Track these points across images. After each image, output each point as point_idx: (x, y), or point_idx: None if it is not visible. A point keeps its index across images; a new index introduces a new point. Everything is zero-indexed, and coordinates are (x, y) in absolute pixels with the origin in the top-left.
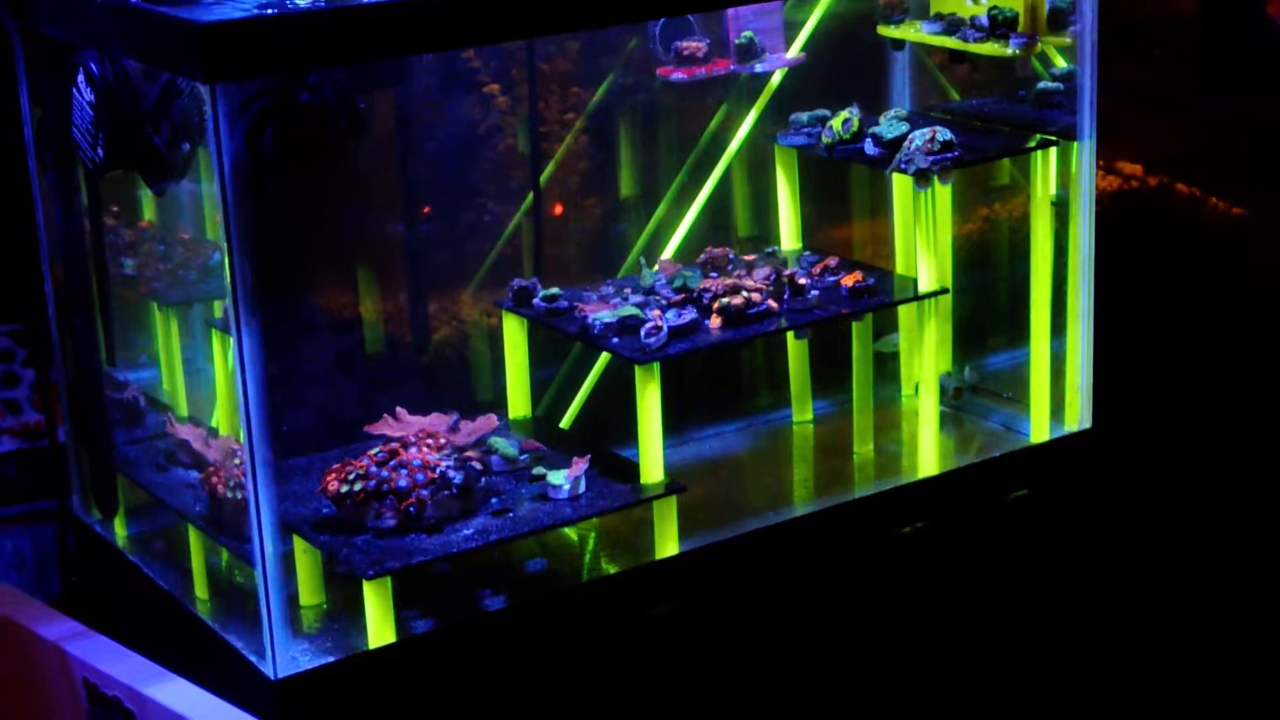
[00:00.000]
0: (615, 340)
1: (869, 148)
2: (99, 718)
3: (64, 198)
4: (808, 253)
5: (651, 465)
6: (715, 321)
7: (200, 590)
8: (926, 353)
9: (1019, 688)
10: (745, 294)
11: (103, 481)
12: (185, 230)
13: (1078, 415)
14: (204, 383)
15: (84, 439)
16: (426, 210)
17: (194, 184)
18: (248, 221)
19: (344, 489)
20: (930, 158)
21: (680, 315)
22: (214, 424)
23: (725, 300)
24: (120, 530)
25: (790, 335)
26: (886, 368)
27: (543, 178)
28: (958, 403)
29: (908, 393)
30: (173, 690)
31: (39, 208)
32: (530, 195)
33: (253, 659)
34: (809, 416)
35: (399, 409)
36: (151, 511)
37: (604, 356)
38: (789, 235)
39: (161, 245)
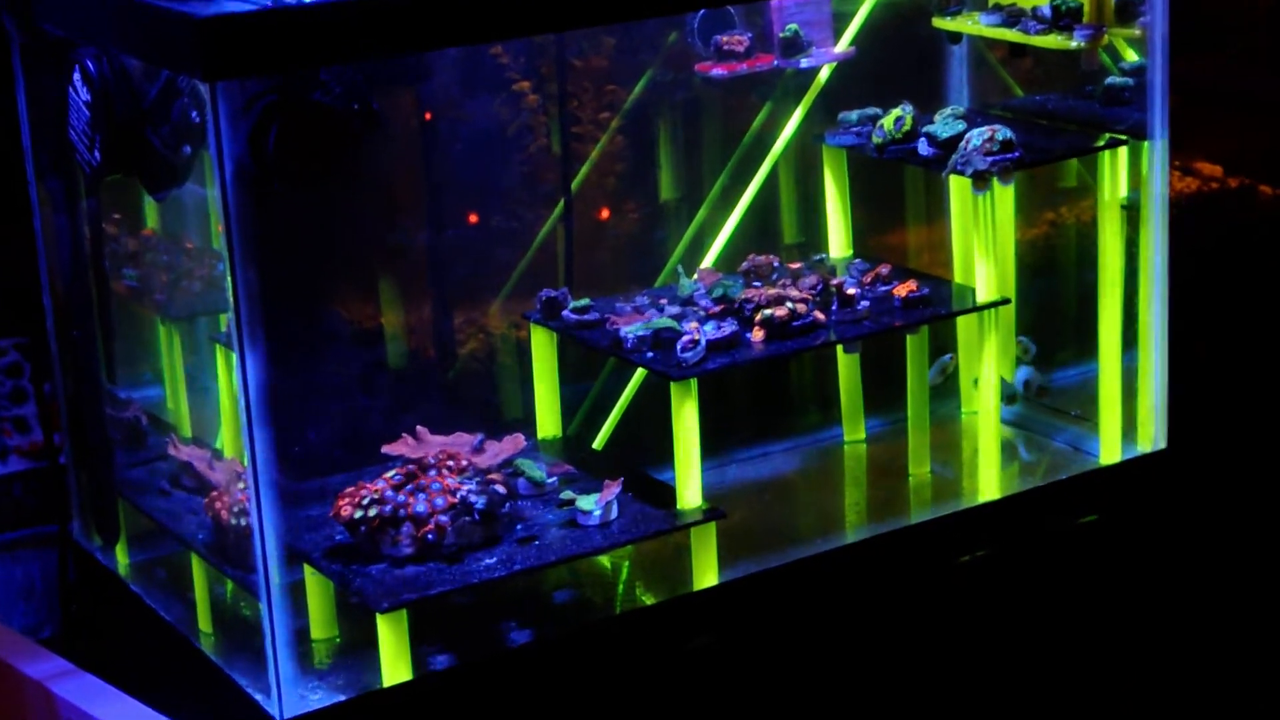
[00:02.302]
0: (650, 355)
1: (923, 148)
2: None
3: (62, 204)
4: (858, 260)
5: (689, 489)
6: (757, 334)
7: (204, 623)
8: (987, 367)
9: None
10: (790, 305)
11: (103, 506)
12: (189, 239)
13: (1151, 435)
14: (209, 402)
15: (84, 461)
16: (474, 219)
17: (198, 189)
18: (251, 228)
19: (358, 514)
20: (989, 158)
21: (719, 328)
22: (219, 446)
23: (768, 311)
24: (122, 558)
25: (839, 349)
26: (945, 383)
27: (576, 181)
28: (1014, 406)
29: (968, 410)
30: None
31: (36, 215)
32: (561, 200)
33: (258, 697)
34: (861, 435)
35: (419, 428)
36: (155, 538)
37: (639, 372)
38: (838, 242)
39: (165, 255)
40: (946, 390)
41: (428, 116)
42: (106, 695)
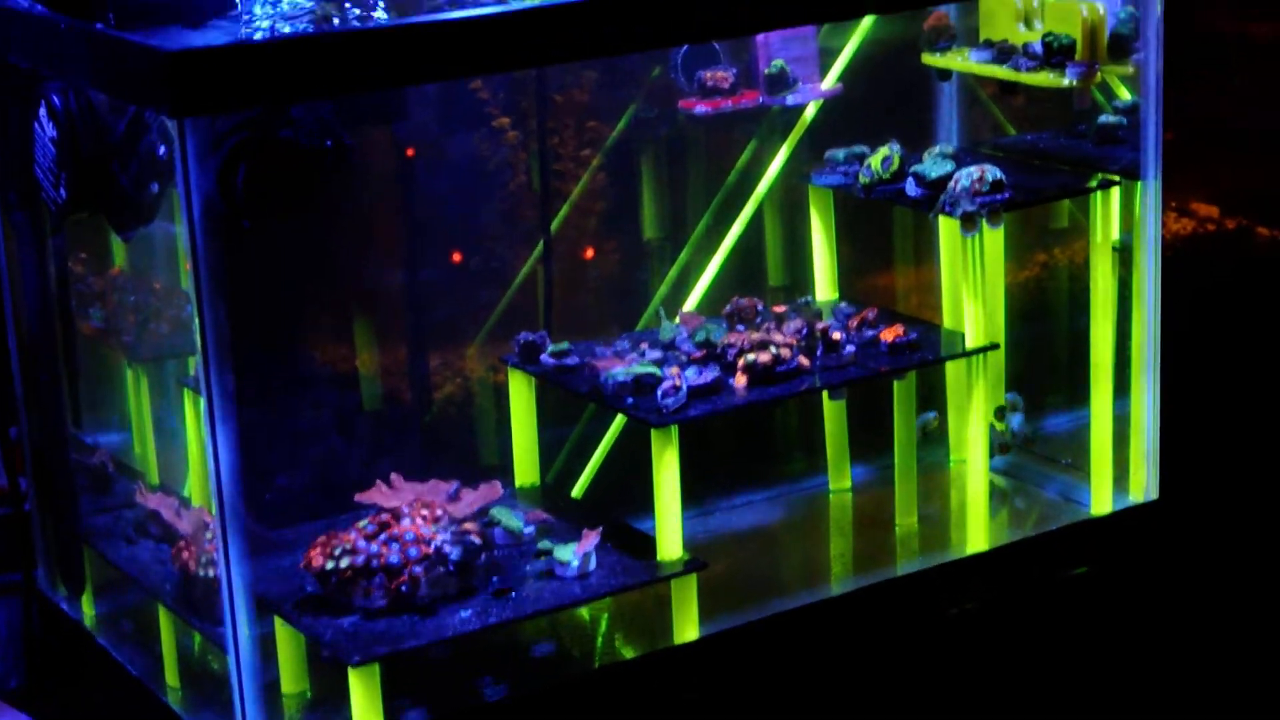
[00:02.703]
0: (630, 400)
1: (911, 188)
2: None
3: (28, 242)
4: (844, 304)
5: (669, 539)
6: (740, 380)
7: (171, 677)
8: (975, 415)
9: None
10: (774, 350)
11: (69, 555)
12: (157, 279)
13: (1143, 484)
14: (176, 447)
15: (49, 507)
16: (452, 258)
17: (167, 227)
18: (220, 268)
19: (329, 565)
20: (978, 199)
21: (701, 373)
22: (186, 493)
23: (751, 357)
24: (88, 608)
25: (824, 395)
26: (932, 431)
27: (556, 221)
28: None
29: (956, 458)
30: None
31: (1, 254)
32: (541, 240)
33: None
34: (847, 484)
35: (394, 475)
36: (121, 588)
37: (619, 419)
38: (824, 284)
39: (132, 296)
40: (934, 438)
41: (409, 153)
42: None
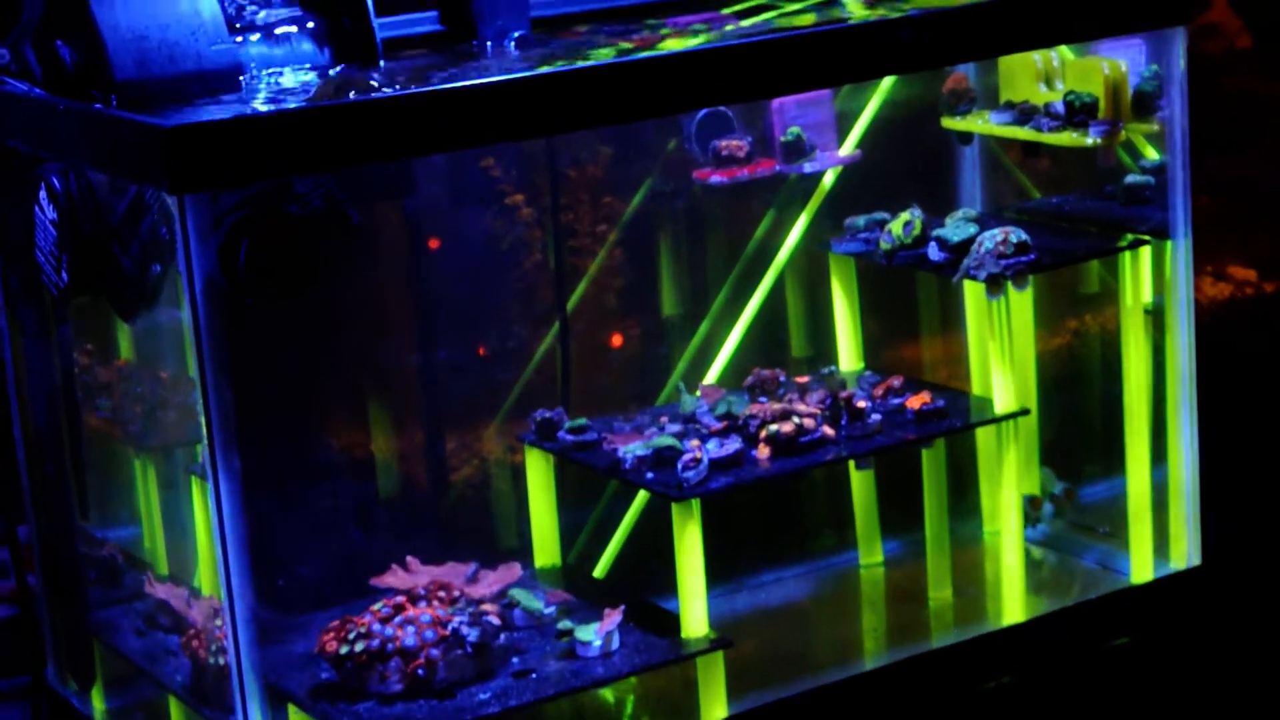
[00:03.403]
0: (650, 475)
1: (933, 253)
2: None
3: (33, 333)
4: (869, 373)
5: (694, 616)
6: (763, 451)
7: None
8: (1007, 483)
9: None
10: (797, 420)
11: (78, 648)
12: (164, 368)
13: (1184, 551)
14: (185, 537)
15: (58, 602)
16: (467, 339)
17: (172, 313)
18: (224, 349)
19: (343, 650)
20: (1003, 261)
21: (722, 445)
22: (196, 583)
23: (774, 427)
24: (98, 703)
25: (851, 466)
26: (965, 501)
27: (574, 298)
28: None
29: (989, 530)
30: None
31: (7, 345)
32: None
33: None
34: (878, 559)
35: (410, 559)
36: (132, 682)
37: (641, 495)
38: (849, 354)
39: (139, 385)
40: (969, 509)
41: (433, 245)
42: None
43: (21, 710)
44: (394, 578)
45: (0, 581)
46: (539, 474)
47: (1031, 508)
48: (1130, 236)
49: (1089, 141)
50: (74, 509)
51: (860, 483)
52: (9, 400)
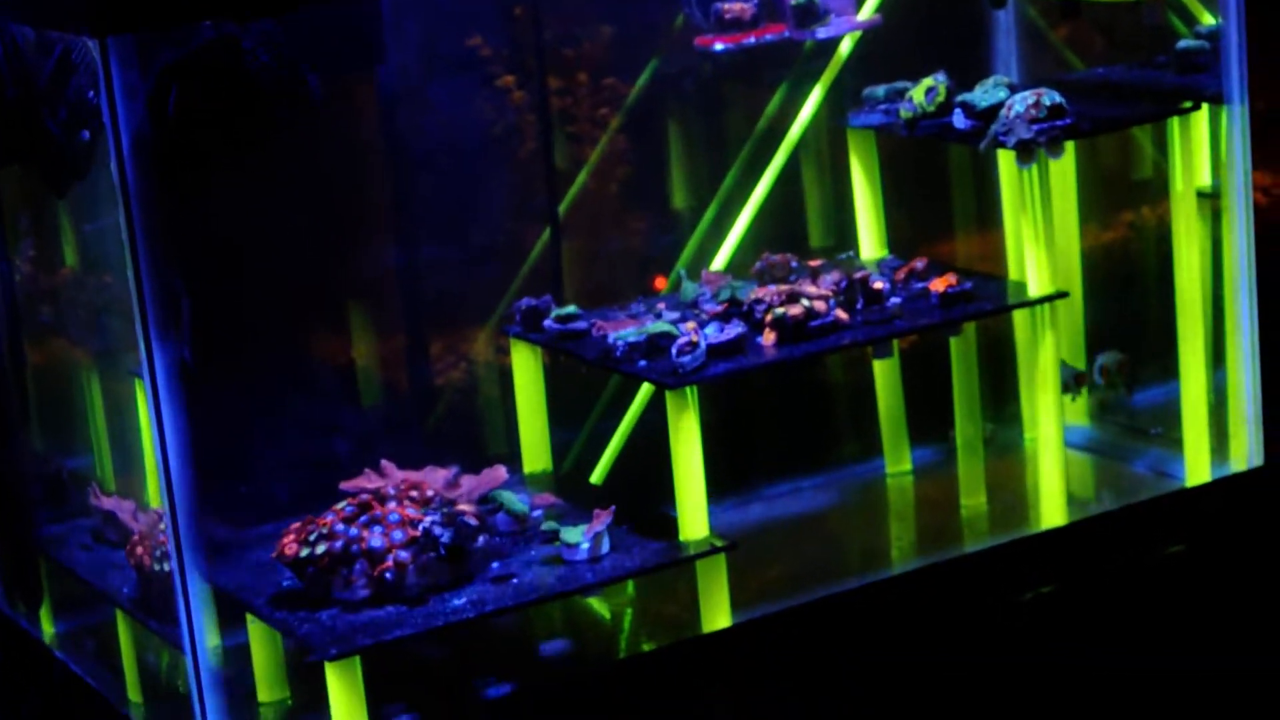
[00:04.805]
0: (642, 363)
1: (959, 120)
2: None
3: None
4: (890, 257)
5: (693, 518)
6: (769, 337)
7: (133, 691)
8: (1043, 377)
9: None
10: (806, 302)
11: (24, 569)
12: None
13: (1245, 451)
14: (131, 448)
15: (2, 520)
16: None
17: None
18: (156, 218)
19: (304, 553)
20: (1035, 126)
21: (722, 329)
22: (145, 498)
23: (781, 310)
24: (47, 626)
25: (873, 357)
26: (1005, 409)
27: (574, 187)
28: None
29: (1029, 436)
30: None
31: None
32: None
33: None
34: (906, 467)
35: (384, 462)
36: (80, 603)
37: (641, 395)
38: (870, 241)
39: (82, 291)
40: (1009, 417)
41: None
42: None
43: None
44: (366, 481)
45: None
46: (525, 368)
47: (1074, 381)
48: (1185, 104)
49: None
50: (18, 422)
51: (884, 380)
52: None
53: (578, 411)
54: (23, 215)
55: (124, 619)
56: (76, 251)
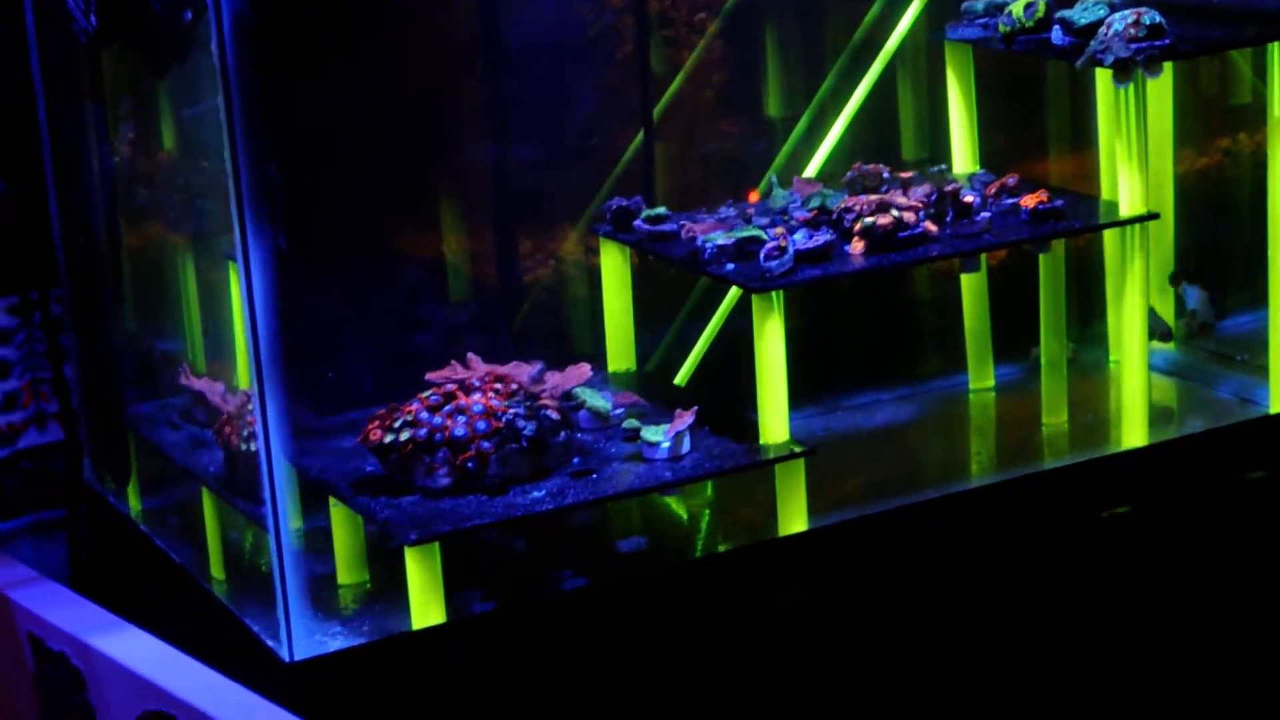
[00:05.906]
0: (730, 266)
1: (1056, 36)
2: (47, 677)
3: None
4: (982, 172)
5: (774, 422)
6: (857, 246)
7: (216, 568)
8: (1131, 298)
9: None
10: (896, 213)
11: (114, 445)
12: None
13: None
14: (223, 330)
15: (95, 397)
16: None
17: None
18: (254, 101)
19: (388, 439)
20: (1133, 45)
21: (811, 237)
22: (236, 379)
23: (870, 220)
24: (134, 503)
25: (958, 270)
26: (1091, 329)
27: (670, 91)
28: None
29: (1114, 358)
30: (125, 642)
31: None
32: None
33: (269, 640)
34: (990, 383)
35: (470, 355)
36: (168, 481)
37: (728, 300)
38: (963, 155)
39: (180, 174)
40: (1092, 336)
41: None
42: (68, 601)
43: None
44: (452, 372)
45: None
46: (614, 268)
47: (1160, 336)
48: None
49: None
50: (110, 299)
51: (970, 295)
52: (47, 185)
53: (664, 313)
54: (125, 98)
55: (209, 497)
56: (175, 135)
